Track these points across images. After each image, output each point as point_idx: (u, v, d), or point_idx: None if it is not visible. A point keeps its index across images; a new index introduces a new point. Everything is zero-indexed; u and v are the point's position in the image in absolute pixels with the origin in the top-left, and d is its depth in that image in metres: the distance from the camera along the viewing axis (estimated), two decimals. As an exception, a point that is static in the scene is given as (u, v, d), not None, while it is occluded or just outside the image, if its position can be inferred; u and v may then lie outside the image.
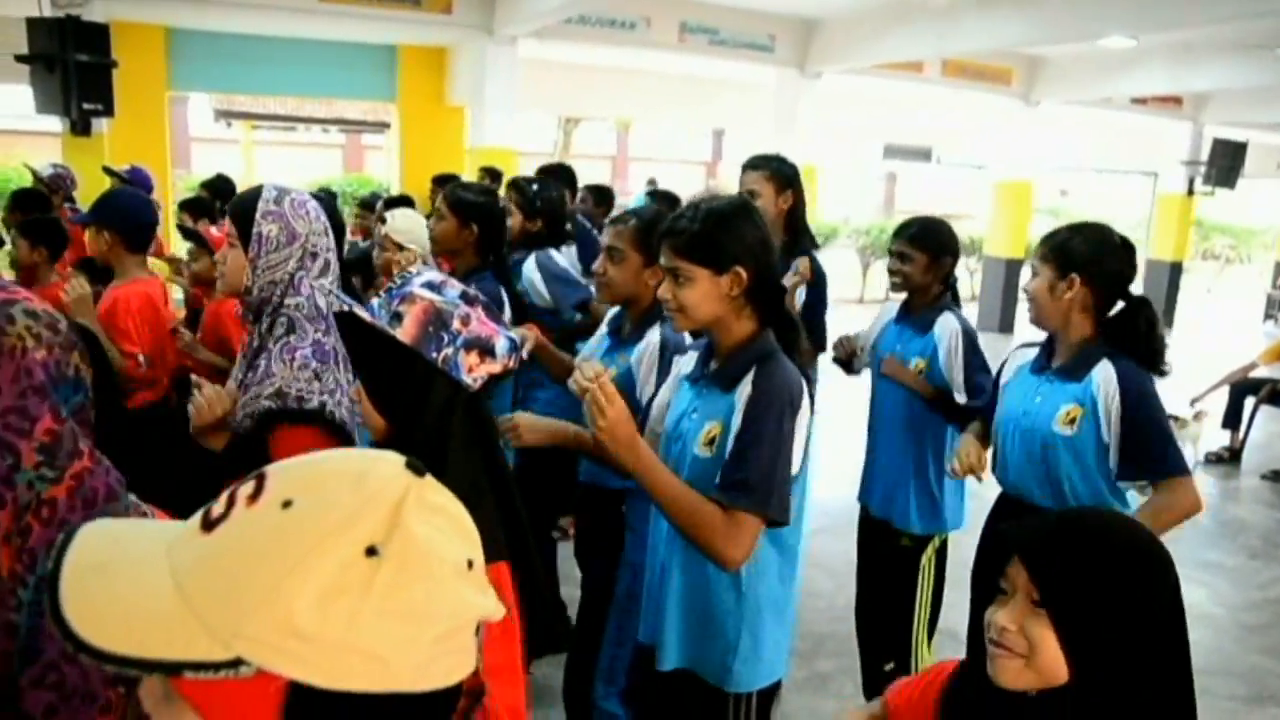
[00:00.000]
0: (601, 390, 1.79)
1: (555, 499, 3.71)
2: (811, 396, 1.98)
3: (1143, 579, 1.16)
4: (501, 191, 4.37)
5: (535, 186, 3.93)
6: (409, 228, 4.02)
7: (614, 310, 2.89)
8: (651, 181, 13.74)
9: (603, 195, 6.69)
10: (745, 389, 1.92)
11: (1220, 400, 7.69)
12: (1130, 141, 17.45)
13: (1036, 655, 1.17)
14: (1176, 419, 7.35)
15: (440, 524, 0.66)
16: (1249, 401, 7.61)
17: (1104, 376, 2.40)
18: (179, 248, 6.37)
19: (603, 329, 2.90)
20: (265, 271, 2.07)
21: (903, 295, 3.23)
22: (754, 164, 3.54)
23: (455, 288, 1.58)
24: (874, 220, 18.71)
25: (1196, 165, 14.62)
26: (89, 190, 7.09)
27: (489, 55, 9.81)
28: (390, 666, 0.61)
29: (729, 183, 25.46)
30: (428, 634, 0.63)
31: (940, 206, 23.94)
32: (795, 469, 1.91)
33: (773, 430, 1.86)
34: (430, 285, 1.56)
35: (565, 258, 4.07)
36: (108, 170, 6.33)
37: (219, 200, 6.60)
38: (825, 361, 3.79)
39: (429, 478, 0.67)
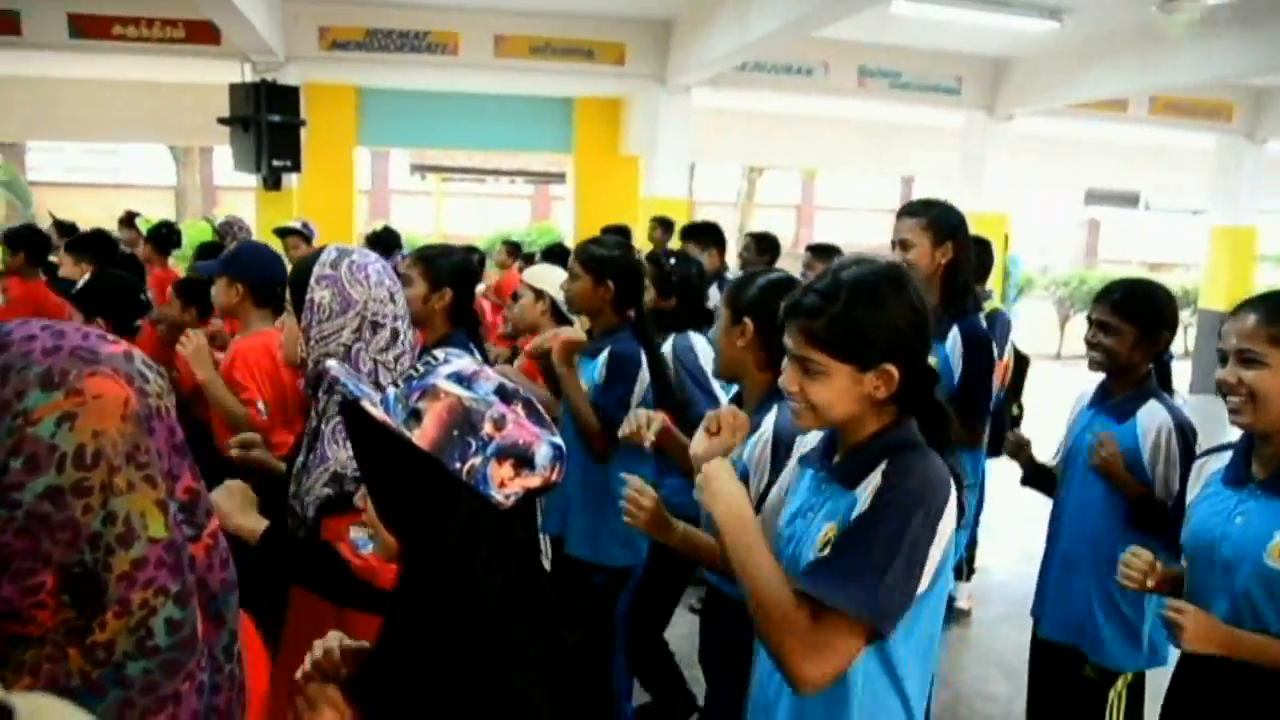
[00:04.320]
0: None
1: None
2: (961, 504, 1.55)
3: None
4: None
5: (674, 261, 3.68)
6: (545, 273, 3.91)
7: (734, 391, 2.55)
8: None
9: (766, 244, 6.14)
10: (874, 481, 1.53)
11: None
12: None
13: None
14: None
15: None
16: None
17: None
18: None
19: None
20: (318, 343, 1.90)
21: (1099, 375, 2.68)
22: (911, 210, 3.10)
23: (490, 381, 1.28)
24: (1074, 270, 17.55)
25: None
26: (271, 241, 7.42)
27: (662, 105, 9.76)
28: None
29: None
30: None
31: (1149, 255, 22.28)
32: (925, 584, 1.50)
33: (896, 525, 1.46)
34: (458, 377, 1.26)
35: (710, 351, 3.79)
36: (278, 231, 6.56)
37: (386, 253, 6.71)
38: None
39: None
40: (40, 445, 0.83)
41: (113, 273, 3.42)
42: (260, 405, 3.13)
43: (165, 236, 6.77)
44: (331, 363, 1.36)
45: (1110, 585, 2.52)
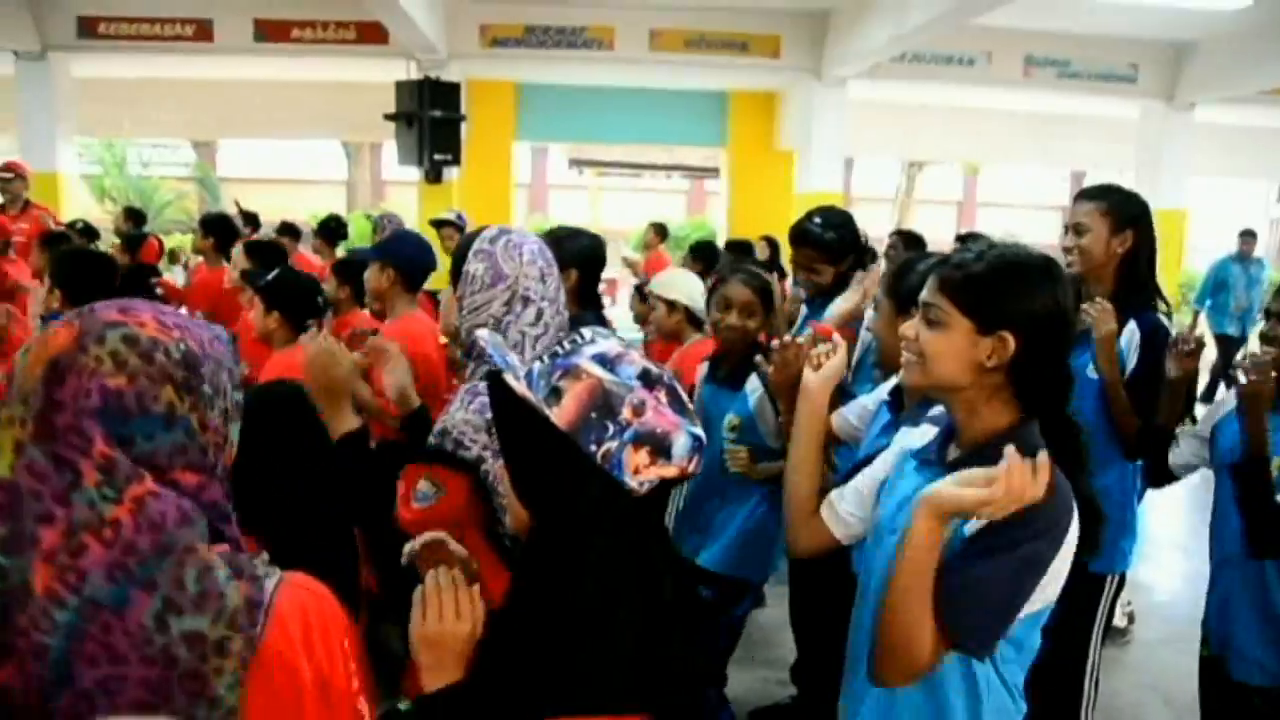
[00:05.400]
0: None
1: None
2: (1094, 537, 1.51)
3: None
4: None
5: (818, 220, 3.55)
6: (674, 281, 3.84)
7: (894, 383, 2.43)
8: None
9: (913, 242, 5.99)
10: None
11: None
12: None
13: None
14: None
15: None
16: None
17: None
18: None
19: (881, 393, 2.45)
20: (470, 313, 1.95)
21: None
22: (1089, 194, 2.88)
23: (634, 364, 1.26)
24: (1262, 271, 16.33)
25: None
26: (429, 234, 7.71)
27: (817, 98, 9.63)
28: None
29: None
30: None
31: (1353, 255, 20.51)
32: (1041, 605, 1.48)
33: (1016, 564, 1.43)
34: (602, 359, 1.25)
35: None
36: (433, 222, 6.81)
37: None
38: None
39: None
40: None
41: (297, 272, 3.67)
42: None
43: (333, 229, 7.18)
44: (482, 332, 1.39)
45: (1259, 596, 2.37)
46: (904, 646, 1.45)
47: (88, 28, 9.38)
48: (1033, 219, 23.53)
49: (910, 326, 1.61)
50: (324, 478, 2.00)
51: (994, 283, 1.52)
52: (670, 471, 1.23)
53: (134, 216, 8.24)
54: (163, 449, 1.00)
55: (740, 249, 6.85)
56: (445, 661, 1.34)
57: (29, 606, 0.92)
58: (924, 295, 1.60)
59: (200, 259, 6.17)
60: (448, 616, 1.35)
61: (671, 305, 3.69)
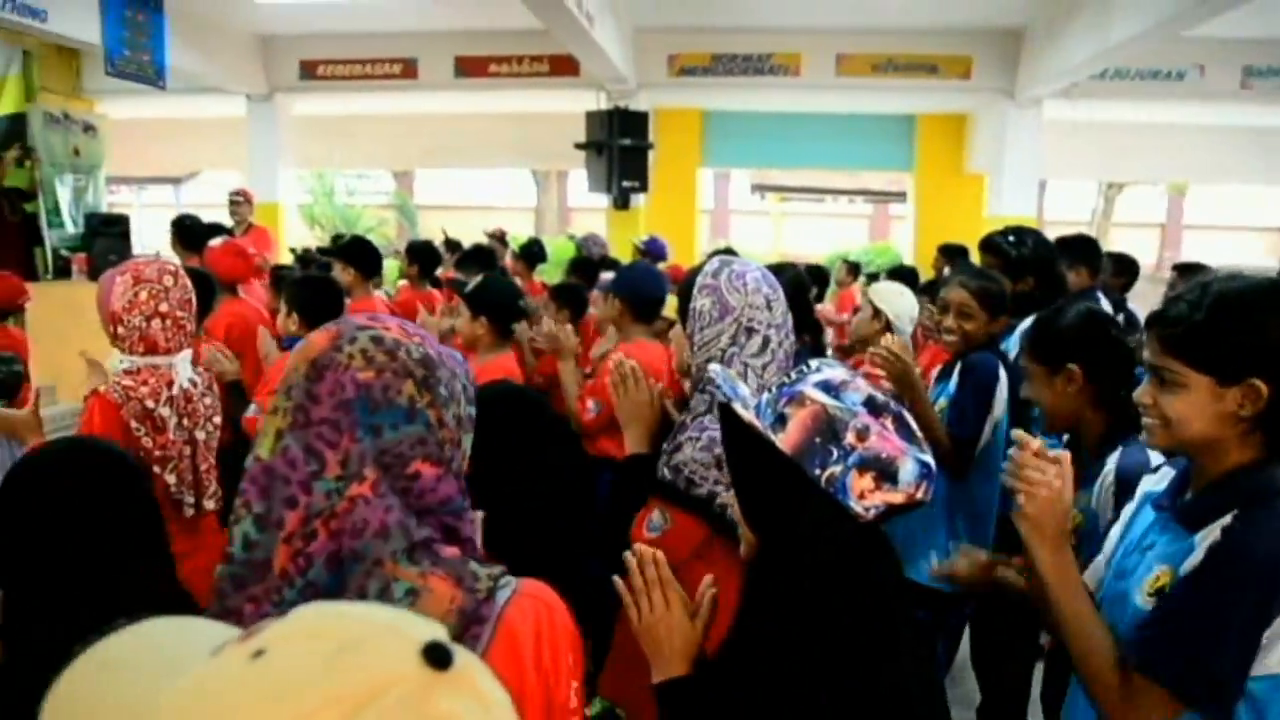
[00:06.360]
0: (1043, 460, 1.44)
1: None
2: None
3: None
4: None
5: (1011, 238, 3.47)
6: (890, 294, 3.90)
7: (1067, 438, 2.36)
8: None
9: (1124, 265, 5.69)
10: (1216, 530, 1.39)
11: None
12: None
13: None
14: None
15: None
16: None
17: None
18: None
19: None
20: (700, 349, 1.96)
21: None
22: None
23: (859, 391, 1.28)
24: None
25: None
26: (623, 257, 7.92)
27: (1010, 119, 9.35)
28: None
29: (1312, 252, 21.50)
30: None
31: None
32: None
33: (1230, 595, 1.34)
34: (826, 386, 1.28)
35: None
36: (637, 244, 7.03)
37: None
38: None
39: (457, 672, 0.51)
40: None
41: (500, 278, 3.88)
42: (590, 404, 3.37)
43: (534, 252, 7.49)
44: (714, 366, 1.45)
45: None
46: (1090, 683, 1.44)
47: (308, 70, 10.18)
48: (1247, 242, 21.92)
49: (1146, 392, 1.52)
50: (537, 481, 2.09)
51: (1221, 330, 1.41)
52: (898, 498, 1.23)
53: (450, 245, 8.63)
54: (406, 439, 1.05)
55: (955, 253, 6.78)
56: (664, 652, 1.40)
57: (266, 580, 0.98)
58: (1149, 357, 1.51)
59: (404, 282, 6.57)
60: (658, 606, 1.41)
61: (877, 313, 3.76)
